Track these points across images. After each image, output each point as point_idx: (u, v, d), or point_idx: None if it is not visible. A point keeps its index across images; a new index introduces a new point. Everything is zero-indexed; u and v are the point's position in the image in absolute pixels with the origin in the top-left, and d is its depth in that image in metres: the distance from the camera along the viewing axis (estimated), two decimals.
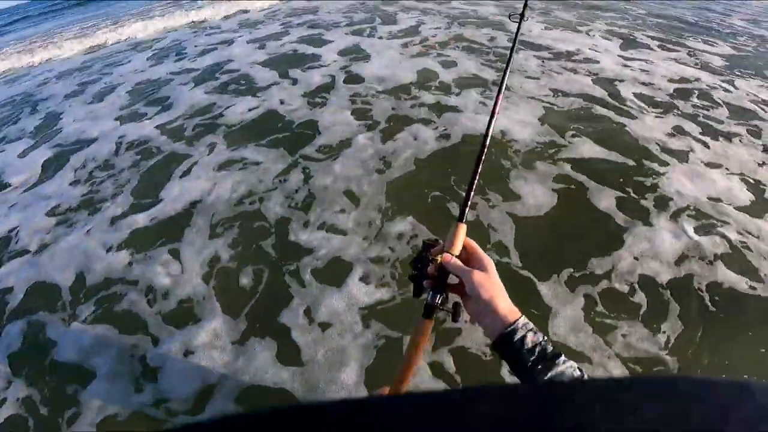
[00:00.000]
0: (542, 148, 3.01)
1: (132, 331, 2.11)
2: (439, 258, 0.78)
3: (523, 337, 0.66)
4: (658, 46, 5.32)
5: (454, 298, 0.79)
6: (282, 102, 4.02)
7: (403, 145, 3.16)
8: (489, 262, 0.75)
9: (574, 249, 2.28)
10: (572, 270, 2.16)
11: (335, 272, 2.27)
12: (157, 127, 3.99)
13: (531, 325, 0.68)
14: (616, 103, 3.61)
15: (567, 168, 2.82)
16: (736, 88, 4.00)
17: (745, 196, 2.58)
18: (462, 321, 0.74)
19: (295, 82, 4.44)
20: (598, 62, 4.50)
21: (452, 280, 0.79)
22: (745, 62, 4.92)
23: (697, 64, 4.75)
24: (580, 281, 2.11)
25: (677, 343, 1.85)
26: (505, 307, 0.69)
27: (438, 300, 0.78)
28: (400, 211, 2.60)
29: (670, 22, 6.58)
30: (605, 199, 2.56)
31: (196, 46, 6.54)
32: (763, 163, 2.87)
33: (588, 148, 2.99)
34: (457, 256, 0.77)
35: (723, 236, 2.30)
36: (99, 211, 2.97)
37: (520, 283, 2.11)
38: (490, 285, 0.70)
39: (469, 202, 0.85)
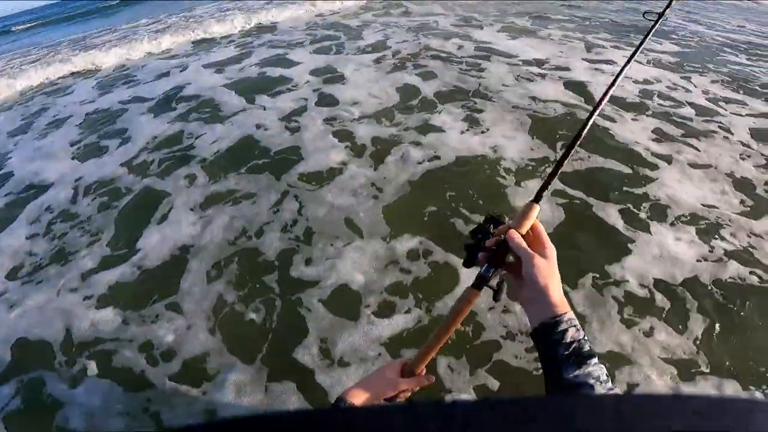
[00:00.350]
0: (535, 163, 3.03)
1: (142, 397, 1.90)
2: (503, 235, 0.77)
3: (565, 330, 0.65)
4: (612, 47, 5.60)
5: (502, 276, 0.79)
6: (259, 127, 3.82)
7: (394, 169, 3.07)
8: (552, 250, 0.74)
9: (587, 262, 2.29)
10: (590, 282, 2.17)
11: (347, 304, 2.18)
12: (121, 164, 3.66)
13: (576, 321, 0.68)
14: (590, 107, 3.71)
15: (561, 181, 2.84)
16: (694, 86, 4.26)
17: (735, 194, 2.70)
18: (500, 300, 0.75)
19: (266, 107, 4.23)
20: (565, 68, 4.65)
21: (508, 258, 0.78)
22: (690, 58, 5.28)
23: (650, 62, 5.04)
24: (601, 291, 2.11)
25: (704, 342, 1.88)
26: (557, 298, 0.69)
27: (491, 273, 0.78)
28: (402, 235, 2.52)
29: (614, 24, 6.97)
30: (607, 210, 2.60)
31: (147, 72, 6.15)
32: (743, 159, 3.04)
33: (578, 158, 3.04)
34: (522, 236, 0.76)
35: (724, 236, 2.39)
36: (69, 266, 2.65)
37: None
38: (549, 273, 0.70)
39: (550, 185, 0.84)
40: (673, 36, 6.40)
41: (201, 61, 6.14)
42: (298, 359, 1.97)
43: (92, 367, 2.04)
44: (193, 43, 7.73)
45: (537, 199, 0.81)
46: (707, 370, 1.81)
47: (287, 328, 2.12)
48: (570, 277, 2.19)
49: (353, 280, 2.29)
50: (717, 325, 1.97)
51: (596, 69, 4.64)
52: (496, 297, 0.79)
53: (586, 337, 0.67)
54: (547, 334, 0.67)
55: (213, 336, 2.12)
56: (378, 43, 5.87)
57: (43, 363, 2.09)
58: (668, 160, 3.00)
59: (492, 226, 0.81)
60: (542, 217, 2.45)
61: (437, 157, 3.14)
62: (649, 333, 1.94)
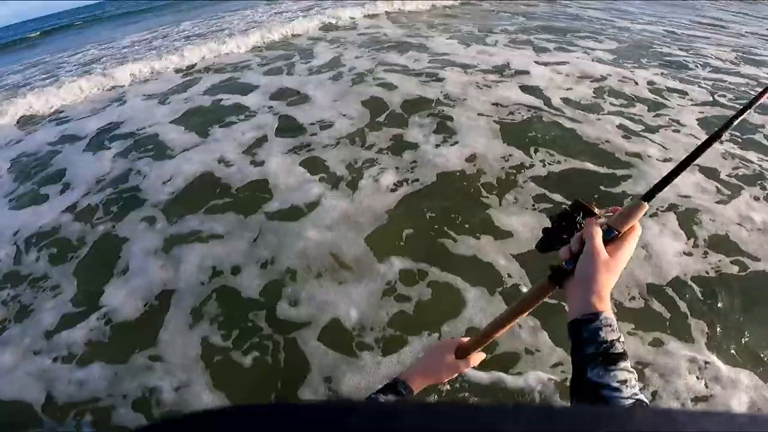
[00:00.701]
0: (513, 171, 3.03)
1: None
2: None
3: (598, 329, 0.64)
4: (556, 49, 5.86)
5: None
6: (220, 161, 3.54)
7: (371, 193, 2.95)
8: (626, 255, 0.70)
9: None
10: None
11: (347, 341, 2.05)
12: (64, 211, 3.24)
13: (612, 321, 0.65)
14: (556, 110, 3.81)
15: (543, 187, 2.85)
16: (638, 81, 4.50)
17: (709, 185, 2.82)
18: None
19: (220, 139, 3.94)
20: (521, 71, 4.77)
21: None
22: (627, 53, 5.63)
23: (595, 60, 5.30)
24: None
25: (712, 339, 1.90)
26: (600, 296, 0.66)
27: (572, 267, 0.71)
28: (390, 262, 2.40)
29: (550, 25, 7.33)
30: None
31: (77, 108, 5.62)
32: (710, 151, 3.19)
33: (554, 162, 3.08)
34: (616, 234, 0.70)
35: (706, 227, 2.48)
36: (32, 327, 2.33)
37: (548, 311, 2.03)
38: (605, 271, 0.66)
39: (667, 186, 0.72)
40: (606, 32, 6.83)
41: (136, 93, 5.71)
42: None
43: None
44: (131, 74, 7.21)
45: (648, 197, 0.71)
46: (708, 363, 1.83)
47: (287, 370, 1.97)
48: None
49: (347, 315, 2.15)
50: (716, 319, 2.00)
51: (550, 71, 4.79)
52: (545, 248, 0.76)
53: (621, 339, 0.64)
54: (579, 329, 0.65)
55: (209, 386, 1.94)
56: (333, 60, 5.76)
57: (29, 426, 1.88)
58: (635, 155, 3.10)
59: (580, 215, 0.75)
60: (528, 233, 2.49)
61: (415, 176, 3.05)
62: (658, 342, 1.94)
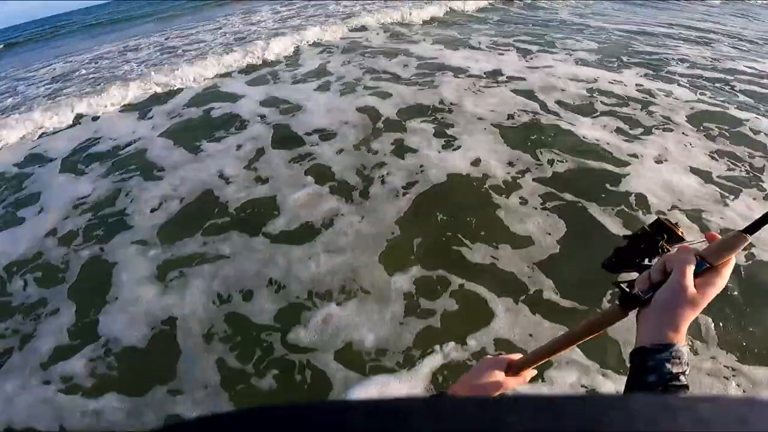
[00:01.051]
0: (519, 173, 3.02)
1: None
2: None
3: (666, 360, 0.60)
4: (539, 51, 5.95)
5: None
6: (220, 176, 3.38)
7: (380, 203, 2.88)
8: (718, 290, 0.63)
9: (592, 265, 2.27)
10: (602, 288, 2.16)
11: (362, 360, 1.98)
12: (48, 234, 3.02)
13: (684, 357, 0.62)
14: (552, 113, 3.85)
15: (551, 188, 2.86)
16: (624, 81, 4.59)
17: (700, 184, 2.87)
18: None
19: (213, 154, 3.77)
20: (514, 76, 4.81)
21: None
22: (609, 53, 5.76)
23: (578, 61, 5.40)
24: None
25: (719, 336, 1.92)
26: (677, 328, 0.62)
27: (649, 296, 0.64)
28: (406, 277, 2.34)
29: (528, 27, 7.46)
30: (597, 210, 2.64)
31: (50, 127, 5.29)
32: (692, 147, 3.28)
33: (558, 162, 3.09)
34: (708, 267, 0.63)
35: (703, 221, 2.52)
36: (27, 360, 2.15)
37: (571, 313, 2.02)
38: (688, 304, 0.62)
39: None
40: (584, 33, 7.00)
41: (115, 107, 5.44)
42: None
43: None
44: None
45: (750, 230, 0.64)
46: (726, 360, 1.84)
47: (309, 393, 1.89)
48: (574, 283, 2.19)
49: (366, 334, 2.07)
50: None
51: (540, 74, 4.85)
52: (613, 268, 0.72)
53: (687, 372, 0.61)
54: (645, 357, 0.62)
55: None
56: (319, 68, 5.65)
57: None
58: (631, 155, 3.14)
59: (664, 237, 0.68)
60: (548, 237, 2.48)
61: (422, 182, 3.00)
62: None
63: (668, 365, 0.61)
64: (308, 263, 2.48)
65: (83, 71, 8.30)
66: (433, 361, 1.92)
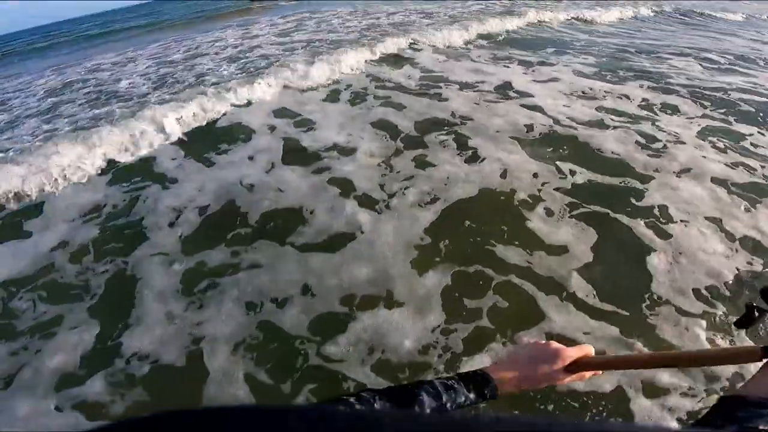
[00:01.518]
0: (544, 185, 3.08)
1: None
2: None
3: (760, 416, 0.58)
4: (539, 63, 6.12)
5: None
6: (240, 185, 3.34)
7: (409, 213, 2.88)
8: None
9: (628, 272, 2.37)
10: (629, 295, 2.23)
11: (398, 369, 1.96)
12: (58, 248, 2.91)
13: None
14: (566, 127, 3.94)
15: (576, 199, 2.92)
16: (630, 95, 4.76)
17: (721, 195, 2.96)
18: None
19: (226, 166, 3.72)
20: (521, 90, 4.91)
21: None
22: (607, 66, 5.97)
23: (578, 74, 5.58)
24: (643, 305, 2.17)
25: None
26: None
27: None
28: (440, 284, 2.34)
29: (523, 40, 7.67)
30: (624, 221, 2.72)
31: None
32: (704, 158, 3.42)
33: (579, 174, 3.18)
34: None
35: (729, 231, 2.62)
36: (43, 379, 2.01)
37: (624, 322, 2.08)
38: None
39: None
40: (575, 46, 7.24)
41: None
42: None
43: None
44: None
45: None
46: None
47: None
48: (608, 292, 2.24)
49: (415, 340, 2.06)
50: None
51: (545, 88, 4.98)
52: (746, 325, 0.68)
53: None
54: (745, 406, 0.59)
55: None
56: (329, 81, 5.67)
57: None
58: (652, 167, 3.25)
59: None
60: (580, 247, 2.51)
61: (448, 195, 3.02)
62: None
63: (759, 421, 0.59)
64: (339, 273, 2.45)
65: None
66: (480, 363, 1.93)
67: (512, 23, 8.88)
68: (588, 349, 0.77)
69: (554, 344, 0.77)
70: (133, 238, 2.93)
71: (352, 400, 0.60)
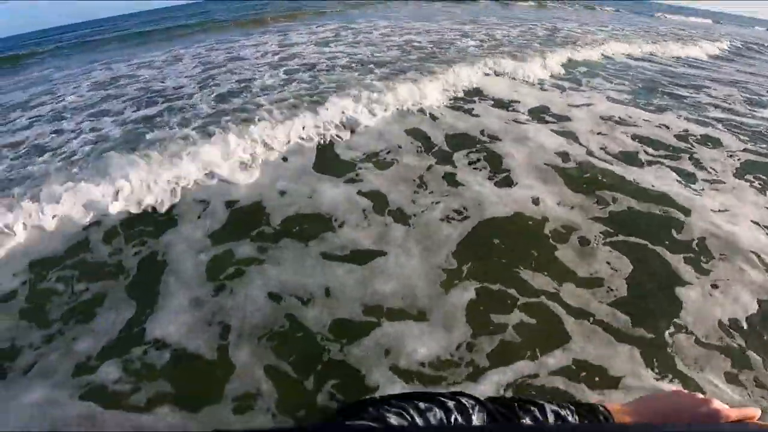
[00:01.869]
0: (578, 214, 3.03)
1: None
2: None
3: None
4: (572, 88, 6.06)
5: None
6: (270, 186, 3.37)
7: (437, 230, 2.86)
8: None
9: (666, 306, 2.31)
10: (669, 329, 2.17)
11: (418, 378, 1.95)
12: (88, 228, 2.91)
13: None
14: (601, 157, 3.88)
15: (610, 230, 2.86)
16: (667, 124, 4.67)
17: (762, 235, 2.88)
18: None
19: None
20: (556, 114, 4.87)
21: None
22: (642, 94, 5.90)
23: (611, 100, 5.52)
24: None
25: None
26: None
27: None
28: (466, 306, 2.30)
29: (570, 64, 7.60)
30: (662, 254, 2.67)
31: None
32: (748, 197, 3.33)
33: (613, 205, 3.13)
34: None
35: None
36: (63, 364, 1.96)
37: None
38: None
39: None
40: (609, 70, 7.15)
41: None
42: None
43: None
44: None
45: None
46: None
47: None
48: (637, 319, 2.21)
49: (437, 350, 2.04)
50: None
51: (580, 112, 4.92)
52: None
53: None
54: None
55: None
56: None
57: None
58: (690, 203, 3.16)
59: None
60: (606, 260, 2.52)
61: (477, 218, 2.98)
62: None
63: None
64: (364, 281, 2.44)
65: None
66: (503, 377, 1.91)
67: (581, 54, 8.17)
68: (753, 413, 0.64)
69: (712, 401, 0.64)
70: (162, 224, 2.98)
71: (450, 404, 0.58)
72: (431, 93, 4.96)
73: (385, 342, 2.09)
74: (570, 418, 0.61)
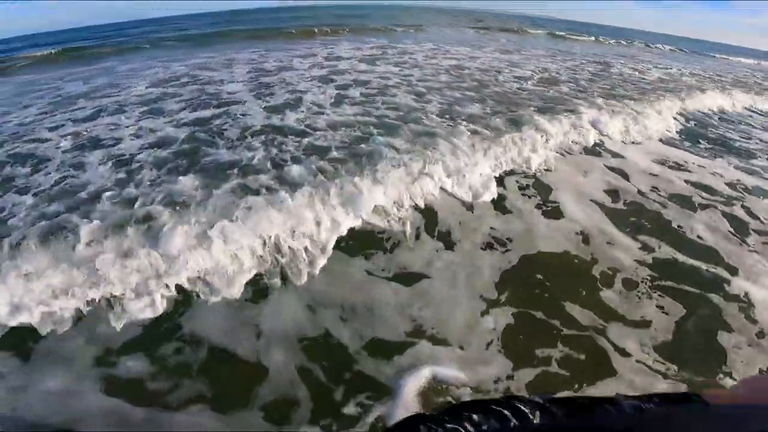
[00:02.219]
0: (624, 255, 3.09)
1: None
2: None
3: None
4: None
5: None
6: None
7: (482, 259, 2.94)
8: None
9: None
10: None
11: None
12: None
13: None
14: (650, 199, 3.92)
15: (655, 274, 2.94)
16: (718, 172, 4.66)
17: None
18: None
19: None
20: (613, 152, 4.90)
21: None
22: (690, 137, 5.84)
23: (661, 140, 5.49)
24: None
25: None
26: None
27: None
28: (503, 335, 2.38)
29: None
30: (714, 302, 2.73)
31: None
32: None
33: (660, 250, 3.19)
34: None
35: None
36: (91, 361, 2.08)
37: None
38: None
39: None
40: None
41: None
42: None
43: None
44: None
45: None
46: None
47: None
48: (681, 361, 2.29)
49: (472, 376, 2.11)
50: None
51: (628, 150, 4.95)
52: None
53: None
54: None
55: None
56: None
57: None
58: (739, 261, 3.16)
59: None
60: (657, 312, 2.50)
61: (525, 245, 3.10)
62: None
63: None
64: (406, 303, 2.51)
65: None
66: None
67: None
68: None
69: None
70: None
71: (505, 412, 0.57)
72: None
73: (421, 363, 2.13)
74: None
